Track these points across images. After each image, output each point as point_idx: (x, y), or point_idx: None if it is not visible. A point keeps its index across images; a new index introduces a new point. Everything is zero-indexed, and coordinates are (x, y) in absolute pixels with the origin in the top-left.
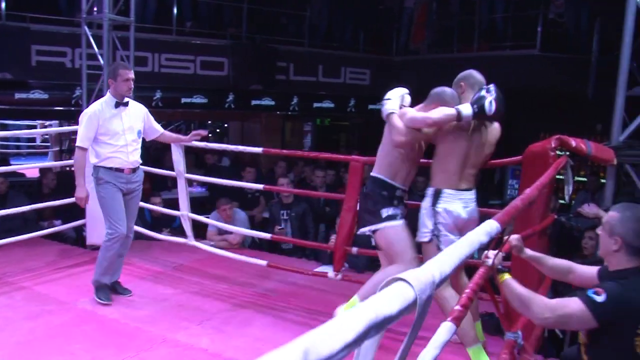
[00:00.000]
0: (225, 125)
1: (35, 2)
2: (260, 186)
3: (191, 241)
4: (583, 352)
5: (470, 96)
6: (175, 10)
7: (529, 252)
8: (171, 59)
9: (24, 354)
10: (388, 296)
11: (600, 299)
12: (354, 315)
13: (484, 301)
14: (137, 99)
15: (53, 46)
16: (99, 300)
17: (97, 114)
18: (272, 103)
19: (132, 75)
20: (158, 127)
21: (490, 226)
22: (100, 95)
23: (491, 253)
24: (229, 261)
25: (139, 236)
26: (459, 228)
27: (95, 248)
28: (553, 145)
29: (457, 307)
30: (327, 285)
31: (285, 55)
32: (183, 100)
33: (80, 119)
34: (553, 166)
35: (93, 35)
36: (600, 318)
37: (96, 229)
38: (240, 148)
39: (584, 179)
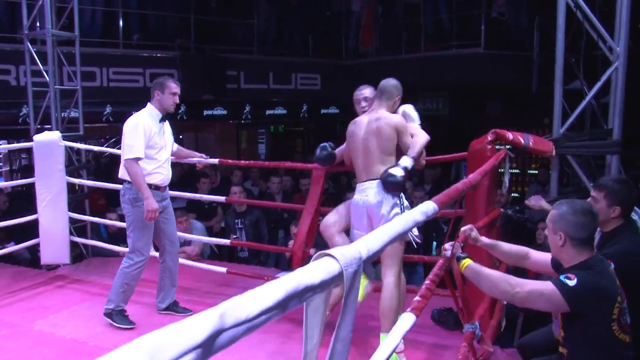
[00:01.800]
0: (180, 136)
1: None
2: (221, 198)
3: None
4: (561, 346)
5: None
6: (121, 24)
7: (484, 239)
8: (119, 73)
9: None
10: (312, 268)
11: (572, 283)
12: (275, 283)
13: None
14: (87, 114)
15: None
16: (120, 326)
17: (148, 125)
18: (225, 112)
19: (179, 90)
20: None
21: (427, 207)
22: (47, 112)
23: (448, 245)
24: (189, 272)
25: (96, 252)
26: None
27: (51, 268)
28: (490, 138)
29: (417, 298)
30: None
31: (235, 64)
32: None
33: (126, 129)
34: (493, 157)
35: (37, 52)
36: (573, 302)
37: (50, 248)
38: (195, 160)
39: (536, 172)
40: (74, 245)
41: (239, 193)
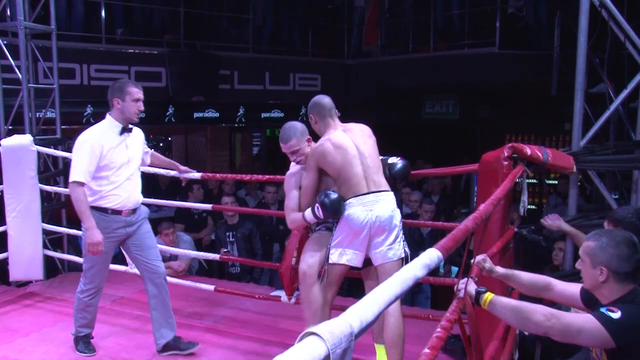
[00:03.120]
0: (169, 138)
1: None
2: (208, 206)
3: (132, 269)
4: None
5: (322, 127)
6: (104, 16)
7: (499, 270)
8: (102, 70)
9: None
10: (295, 353)
11: (616, 315)
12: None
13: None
14: (65, 115)
15: None
16: (81, 354)
17: (100, 142)
18: (217, 115)
19: (142, 94)
20: (146, 148)
21: (430, 257)
22: (20, 112)
23: (461, 283)
24: (174, 289)
25: (73, 267)
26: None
27: (20, 285)
28: (506, 154)
29: (426, 351)
30: (282, 311)
31: (228, 63)
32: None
33: (75, 147)
34: (509, 177)
35: (7, 45)
36: (619, 337)
37: (20, 263)
38: (173, 174)
39: (555, 182)
40: (47, 259)
41: (231, 204)
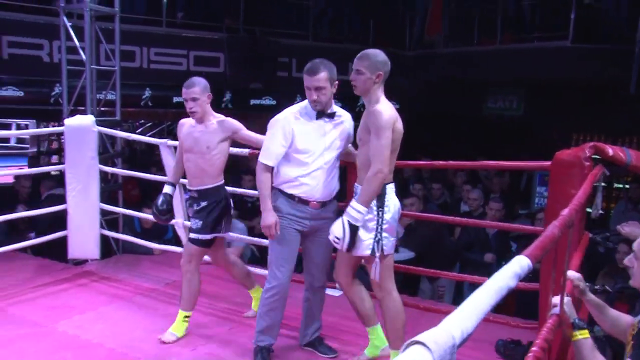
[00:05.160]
0: None
1: None
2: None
3: None
4: None
5: (377, 91)
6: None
7: (591, 296)
8: (161, 54)
9: None
10: None
11: None
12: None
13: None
14: (124, 97)
15: (28, 38)
16: None
17: (290, 123)
18: (274, 103)
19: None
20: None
21: (520, 265)
22: (82, 93)
23: (556, 299)
24: (227, 277)
25: (127, 249)
26: None
27: (78, 263)
28: (587, 153)
29: None
30: (335, 304)
31: (287, 50)
32: (175, 99)
33: (269, 125)
34: (588, 179)
35: (73, 27)
36: None
37: (79, 242)
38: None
39: (625, 186)
40: (103, 239)
41: None
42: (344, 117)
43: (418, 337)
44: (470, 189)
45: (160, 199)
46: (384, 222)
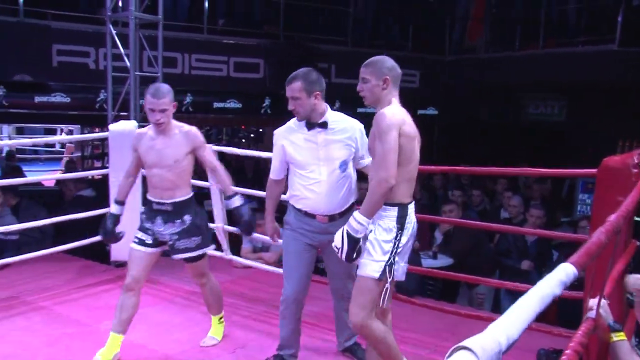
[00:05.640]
0: (260, 130)
1: None
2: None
3: (228, 255)
4: None
5: (387, 96)
6: (206, 6)
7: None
8: (202, 60)
9: None
10: None
11: None
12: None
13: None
14: None
15: (76, 46)
16: None
17: (281, 136)
18: None
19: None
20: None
21: (566, 273)
22: (126, 99)
23: (592, 302)
24: (267, 280)
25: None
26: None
27: (120, 265)
28: (636, 160)
29: None
30: None
31: (326, 56)
32: (215, 105)
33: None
34: (637, 186)
35: (118, 34)
36: None
37: (120, 244)
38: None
39: None
40: None
41: None
42: (343, 126)
43: (464, 343)
44: (510, 196)
45: (109, 222)
46: (400, 245)
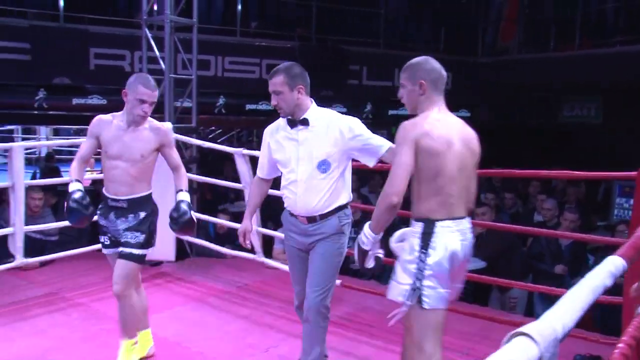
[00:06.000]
0: None
1: (93, 3)
2: None
3: (260, 257)
4: None
5: (425, 101)
6: (239, 9)
7: None
8: (235, 63)
9: None
10: (509, 352)
11: None
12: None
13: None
14: (199, 105)
15: (112, 49)
16: None
17: (266, 134)
18: (344, 110)
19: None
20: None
21: (615, 265)
22: (161, 101)
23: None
24: None
25: (199, 252)
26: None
27: (154, 264)
28: None
29: None
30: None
31: (357, 58)
32: (248, 106)
33: None
34: None
35: (153, 38)
36: None
37: (156, 245)
38: None
39: None
40: (178, 242)
41: (355, 200)
42: (325, 122)
43: (523, 329)
44: (544, 199)
45: (79, 194)
46: (427, 267)
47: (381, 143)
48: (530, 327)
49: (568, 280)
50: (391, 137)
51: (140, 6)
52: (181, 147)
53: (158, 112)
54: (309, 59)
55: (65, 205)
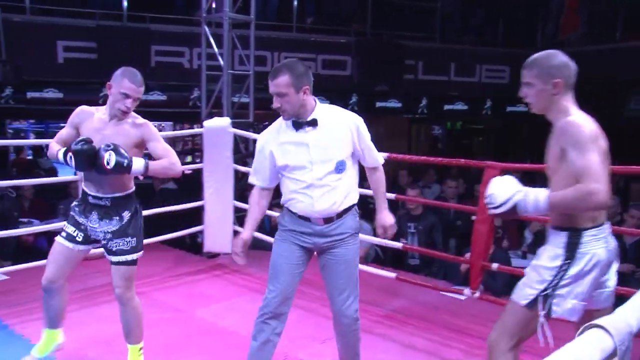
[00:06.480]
0: None
1: (154, 2)
2: (390, 195)
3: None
4: None
5: (561, 101)
6: (295, 5)
7: None
8: (291, 58)
9: None
10: (584, 343)
11: None
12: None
13: None
14: (256, 100)
15: (172, 46)
16: None
17: (268, 139)
18: (399, 105)
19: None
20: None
21: None
22: (219, 97)
23: None
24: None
25: (256, 245)
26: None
27: (212, 256)
28: None
29: None
30: (460, 308)
31: (413, 53)
32: None
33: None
34: None
35: (212, 34)
36: None
37: (214, 236)
38: None
39: None
40: (235, 234)
41: (417, 196)
42: (336, 121)
43: (597, 321)
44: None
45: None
46: (566, 276)
47: (375, 156)
48: (604, 320)
49: (632, 279)
50: (446, 132)
51: (200, 4)
52: (238, 141)
53: (216, 108)
54: (365, 54)
55: (69, 156)
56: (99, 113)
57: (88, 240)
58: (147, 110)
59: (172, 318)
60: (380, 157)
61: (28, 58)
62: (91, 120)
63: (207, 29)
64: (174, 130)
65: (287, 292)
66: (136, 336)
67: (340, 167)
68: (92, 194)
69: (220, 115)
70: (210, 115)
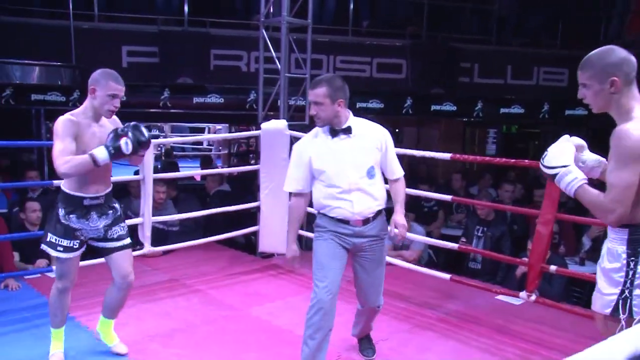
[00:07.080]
0: (397, 130)
1: (214, 7)
2: (447, 197)
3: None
4: None
5: (624, 99)
6: (351, 9)
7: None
8: (346, 62)
9: (202, 358)
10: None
11: None
12: (612, 346)
13: None
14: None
15: (230, 50)
16: None
17: (306, 146)
18: (454, 108)
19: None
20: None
21: None
22: (276, 99)
23: None
24: (407, 277)
25: (309, 246)
26: None
27: (266, 256)
28: None
29: None
30: (516, 312)
31: (469, 55)
32: (358, 105)
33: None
34: None
35: (269, 38)
36: None
37: (268, 237)
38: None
39: None
40: None
41: (484, 199)
42: (367, 131)
43: None
44: None
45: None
46: (637, 275)
47: (398, 169)
48: None
49: None
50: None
51: (258, 9)
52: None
53: (272, 110)
54: (420, 57)
55: (124, 142)
56: (80, 119)
57: (82, 244)
58: (204, 112)
59: (228, 316)
60: (400, 170)
61: (95, 63)
62: (82, 128)
63: (265, 33)
64: (229, 132)
65: (335, 288)
66: (118, 312)
67: (371, 173)
68: (90, 195)
69: (277, 117)
70: (267, 118)
